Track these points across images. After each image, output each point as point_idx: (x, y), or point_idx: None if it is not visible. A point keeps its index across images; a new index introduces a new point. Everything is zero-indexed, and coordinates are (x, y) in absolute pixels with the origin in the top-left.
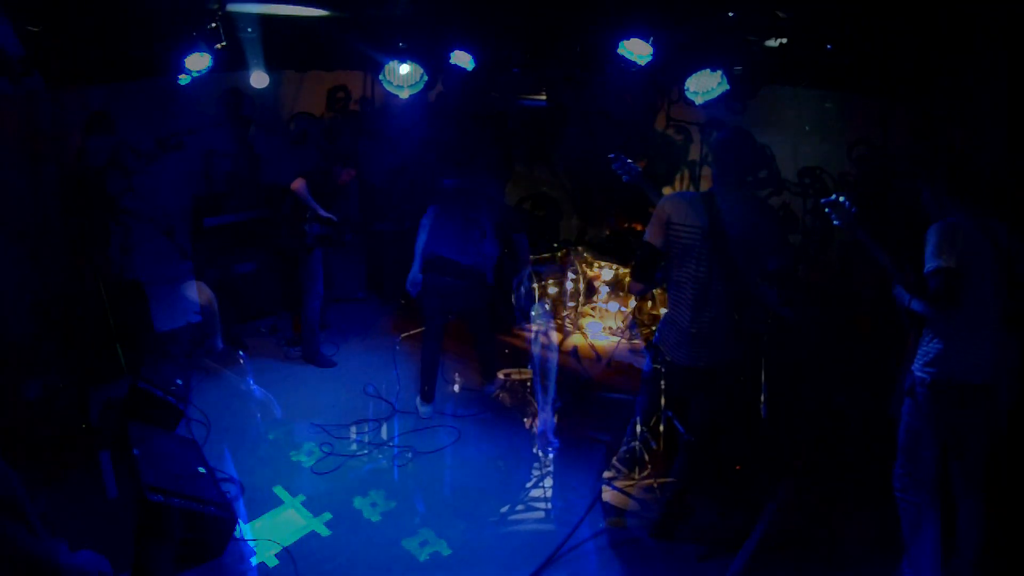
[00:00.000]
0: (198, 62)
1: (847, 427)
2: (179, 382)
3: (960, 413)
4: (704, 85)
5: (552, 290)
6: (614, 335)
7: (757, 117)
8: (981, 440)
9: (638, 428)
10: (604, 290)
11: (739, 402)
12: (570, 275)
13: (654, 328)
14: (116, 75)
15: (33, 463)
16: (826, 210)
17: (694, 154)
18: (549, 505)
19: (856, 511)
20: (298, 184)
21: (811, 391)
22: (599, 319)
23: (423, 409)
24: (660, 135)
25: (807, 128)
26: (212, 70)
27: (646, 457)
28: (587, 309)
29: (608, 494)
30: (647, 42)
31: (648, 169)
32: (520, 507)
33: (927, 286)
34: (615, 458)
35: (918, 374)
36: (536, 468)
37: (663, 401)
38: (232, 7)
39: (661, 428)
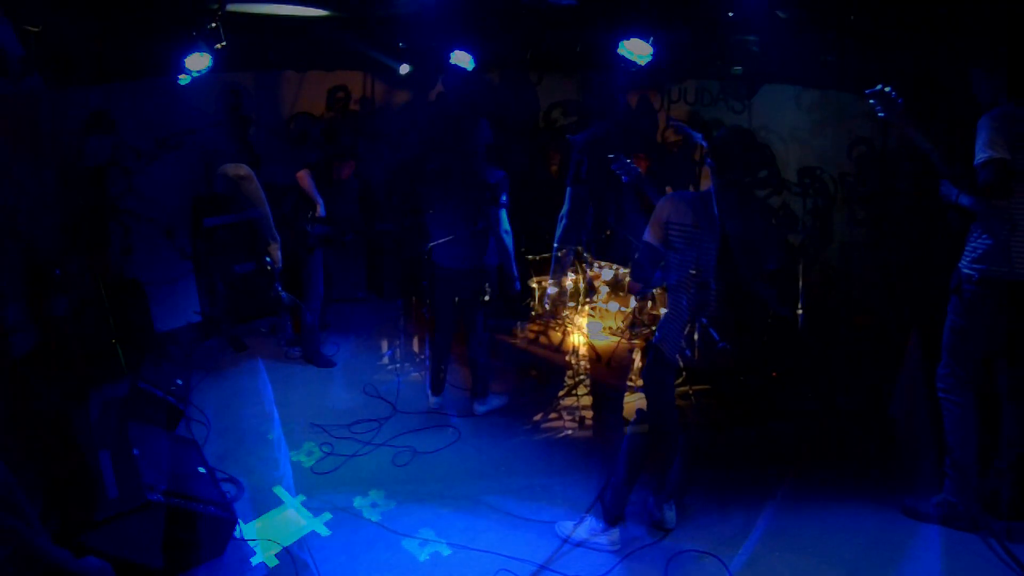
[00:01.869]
0: (198, 62)
1: (847, 427)
2: (179, 382)
3: (1008, 310)
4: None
5: (552, 290)
6: (614, 335)
7: (757, 117)
8: None
9: None
10: (604, 290)
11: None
12: (570, 275)
13: (654, 328)
14: (116, 75)
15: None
16: (871, 102)
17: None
18: (554, 500)
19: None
20: (303, 174)
21: (811, 391)
22: (599, 319)
23: (433, 400)
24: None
25: (807, 128)
26: (212, 70)
27: (681, 365)
28: (587, 309)
29: (643, 401)
30: (647, 42)
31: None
32: (522, 505)
33: (976, 179)
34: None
35: (965, 271)
36: (537, 465)
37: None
38: (232, 7)
39: (696, 337)
